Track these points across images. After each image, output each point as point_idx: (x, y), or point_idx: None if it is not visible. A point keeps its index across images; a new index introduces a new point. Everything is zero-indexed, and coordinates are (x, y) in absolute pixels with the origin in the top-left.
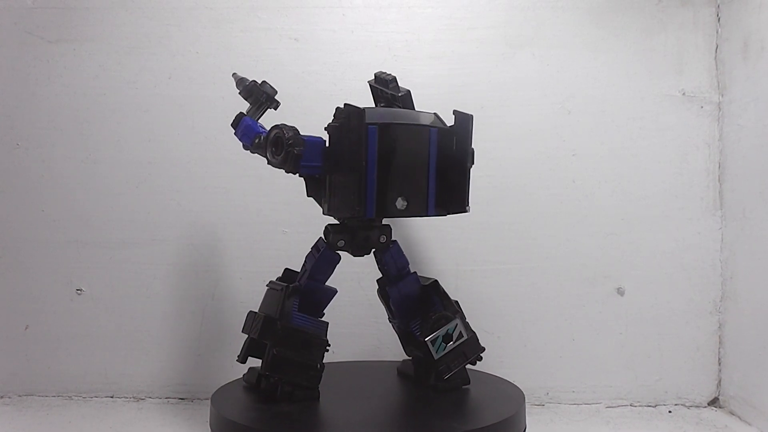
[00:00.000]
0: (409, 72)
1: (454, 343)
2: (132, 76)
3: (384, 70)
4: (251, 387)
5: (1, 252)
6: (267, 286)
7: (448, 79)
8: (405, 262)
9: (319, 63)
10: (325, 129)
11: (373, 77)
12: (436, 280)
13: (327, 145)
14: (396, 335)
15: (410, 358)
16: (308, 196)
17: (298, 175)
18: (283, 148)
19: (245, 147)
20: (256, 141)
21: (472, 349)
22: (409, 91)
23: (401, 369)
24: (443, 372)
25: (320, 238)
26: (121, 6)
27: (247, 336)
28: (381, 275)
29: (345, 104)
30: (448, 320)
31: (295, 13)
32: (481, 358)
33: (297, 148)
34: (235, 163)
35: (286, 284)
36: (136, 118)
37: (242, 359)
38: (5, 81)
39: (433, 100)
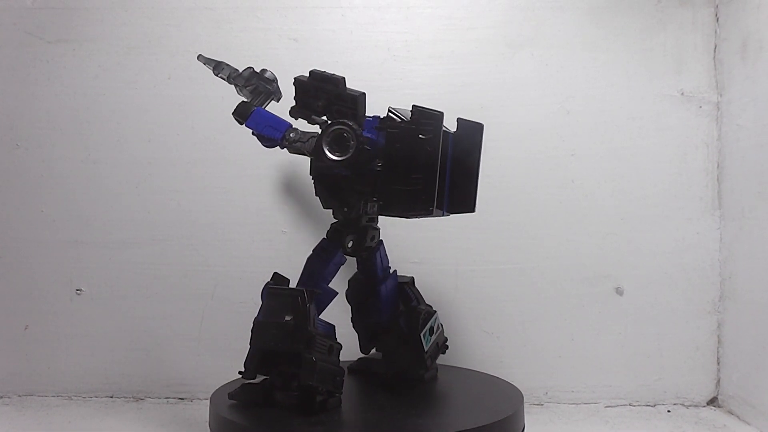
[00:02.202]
0: (408, 72)
1: (434, 335)
2: (132, 76)
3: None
4: (251, 404)
5: (1, 252)
6: (269, 291)
7: (448, 79)
8: (388, 261)
9: (319, 63)
10: (382, 128)
11: (308, 74)
12: (413, 278)
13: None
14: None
15: (365, 355)
16: (316, 195)
17: (309, 172)
18: (353, 146)
19: (262, 137)
20: (291, 135)
21: (442, 339)
22: (363, 94)
23: (355, 367)
24: (429, 363)
25: (323, 239)
26: (120, 6)
27: (252, 348)
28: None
29: (414, 106)
30: (431, 315)
31: (294, 13)
32: (448, 347)
33: (367, 146)
34: (235, 163)
35: (302, 289)
36: (136, 118)
37: (252, 374)
38: (5, 81)
39: (432, 100)
